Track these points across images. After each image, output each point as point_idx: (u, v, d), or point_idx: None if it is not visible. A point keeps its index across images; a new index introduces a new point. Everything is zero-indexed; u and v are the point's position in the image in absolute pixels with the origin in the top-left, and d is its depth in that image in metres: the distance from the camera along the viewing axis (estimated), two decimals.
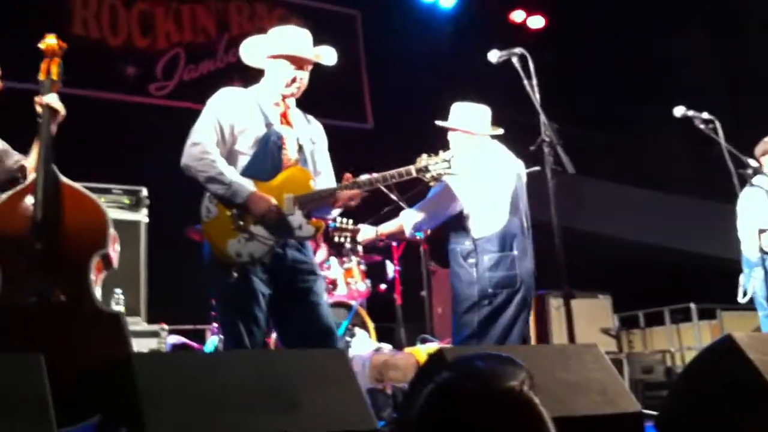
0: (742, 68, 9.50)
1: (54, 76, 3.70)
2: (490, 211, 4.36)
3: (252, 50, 3.78)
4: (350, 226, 4.63)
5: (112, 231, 3.59)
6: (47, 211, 3.42)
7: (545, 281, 7.15)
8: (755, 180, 4.93)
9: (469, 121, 4.51)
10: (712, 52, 9.53)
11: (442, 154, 3.60)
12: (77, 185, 3.59)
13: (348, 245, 5.51)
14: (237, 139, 3.58)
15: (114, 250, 3.64)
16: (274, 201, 3.48)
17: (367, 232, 4.68)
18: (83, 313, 3.39)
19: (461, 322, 4.33)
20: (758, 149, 5.19)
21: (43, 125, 3.58)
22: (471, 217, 4.37)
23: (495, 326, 4.25)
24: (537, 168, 5.60)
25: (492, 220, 4.35)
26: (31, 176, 3.55)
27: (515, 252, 4.32)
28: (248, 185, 3.49)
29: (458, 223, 4.40)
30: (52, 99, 3.63)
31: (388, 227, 4.63)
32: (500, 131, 4.57)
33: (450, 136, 4.51)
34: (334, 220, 4.57)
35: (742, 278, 5.13)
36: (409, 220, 4.48)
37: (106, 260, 3.59)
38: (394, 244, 6.22)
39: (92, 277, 3.46)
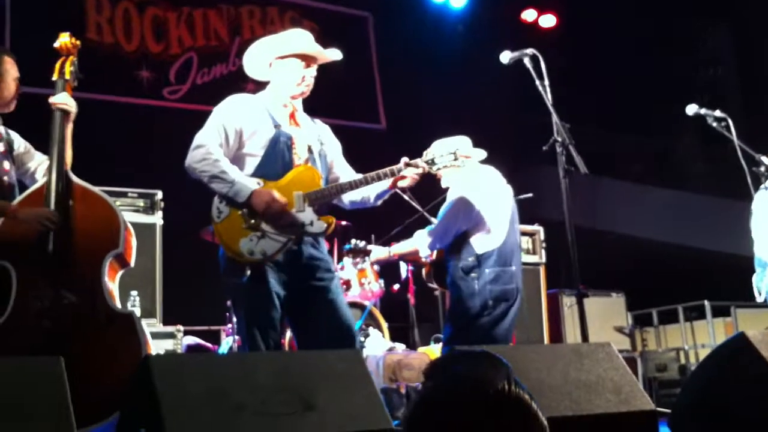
0: (759, 67, 9.45)
1: (67, 75, 3.70)
2: (492, 228, 4.44)
3: (257, 55, 3.76)
4: (363, 248, 4.66)
5: (127, 228, 3.58)
6: (59, 213, 3.43)
7: (559, 280, 7.22)
8: None
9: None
10: (730, 51, 9.48)
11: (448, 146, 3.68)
12: (90, 186, 3.59)
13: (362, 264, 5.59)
14: (245, 142, 3.60)
15: (131, 247, 3.63)
16: (276, 194, 3.47)
17: (379, 253, 4.71)
18: (97, 314, 3.39)
19: (458, 332, 4.42)
20: None
21: (54, 126, 3.58)
22: (474, 234, 4.43)
23: (491, 335, 4.34)
24: (530, 195, 5.66)
25: (493, 236, 4.44)
26: (44, 178, 3.56)
27: (513, 267, 4.46)
28: (251, 184, 3.49)
29: (460, 239, 4.46)
30: (61, 98, 3.62)
31: (401, 248, 4.67)
32: (484, 154, 4.60)
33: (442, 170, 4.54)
34: (349, 242, 4.59)
35: (755, 279, 5.12)
36: (423, 241, 4.51)
37: (121, 260, 3.60)
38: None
39: (106, 278, 3.46)
